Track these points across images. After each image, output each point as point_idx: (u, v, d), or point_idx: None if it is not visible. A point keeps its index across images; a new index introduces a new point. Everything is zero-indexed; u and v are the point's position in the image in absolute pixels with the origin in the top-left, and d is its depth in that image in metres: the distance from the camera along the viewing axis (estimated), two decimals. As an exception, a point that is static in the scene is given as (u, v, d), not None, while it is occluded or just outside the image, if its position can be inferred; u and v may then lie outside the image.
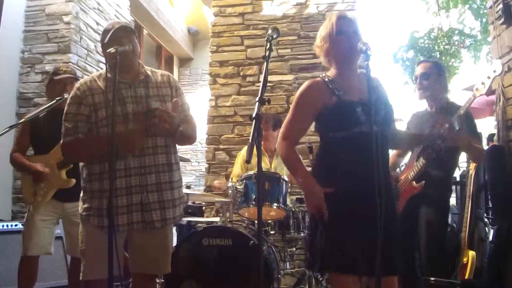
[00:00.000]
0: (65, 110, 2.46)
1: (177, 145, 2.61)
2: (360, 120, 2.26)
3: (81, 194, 2.48)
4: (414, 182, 3.23)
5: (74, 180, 3.27)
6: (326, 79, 2.40)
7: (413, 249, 3.29)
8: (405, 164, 3.60)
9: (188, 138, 2.62)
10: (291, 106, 2.48)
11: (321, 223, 2.27)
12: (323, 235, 2.27)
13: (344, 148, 2.30)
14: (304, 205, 3.76)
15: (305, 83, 2.45)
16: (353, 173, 2.24)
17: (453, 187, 4.18)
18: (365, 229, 2.10)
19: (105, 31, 2.46)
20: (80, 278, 2.40)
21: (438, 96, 3.38)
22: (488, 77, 2.83)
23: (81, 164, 2.52)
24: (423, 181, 3.18)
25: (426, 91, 3.39)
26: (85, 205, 2.43)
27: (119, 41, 2.34)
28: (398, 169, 3.58)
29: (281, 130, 2.50)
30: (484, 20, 10.24)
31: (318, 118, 2.40)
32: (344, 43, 2.32)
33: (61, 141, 2.46)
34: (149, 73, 2.55)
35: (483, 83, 2.86)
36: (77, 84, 2.52)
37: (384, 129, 2.29)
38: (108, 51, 2.26)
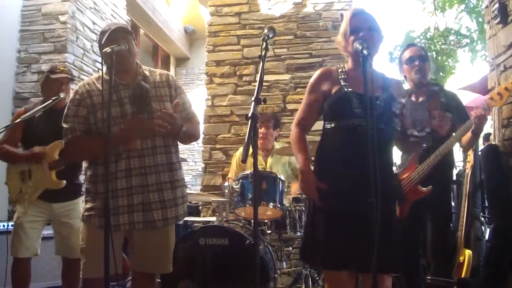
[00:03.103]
0: (64, 112, 2.48)
1: (178, 144, 2.62)
2: (354, 112, 2.26)
3: (85, 195, 2.49)
4: (420, 186, 3.07)
5: (64, 182, 3.25)
6: (340, 69, 2.43)
7: (418, 249, 3.27)
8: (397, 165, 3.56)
9: (192, 137, 2.64)
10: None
11: (313, 217, 2.31)
12: (314, 229, 2.30)
13: (336, 139, 2.34)
14: (300, 204, 3.76)
15: (318, 70, 2.50)
16: (343, 166, 2.26)
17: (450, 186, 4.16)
18: (355, 226, 2.11)
19: (102, 32, 2.47)
20: (80, 276, 2.42)
21: (428, 82, 3.35)
22: (506, 89, 2.73)
23: (84, 165, 2.53)
24: (430, 186, 3.03)
25: (425, 74, 3.30)
26: (87, 206, 2.44)
27: (116, 41, 2.35)
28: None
29: (296, 116, 2.54)
30: (480, 19, 10.28)
31: (323, 106, 2.41)
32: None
33: (55, 143, 2.47)
34: (147, 73, 2.55)
35: (499, 94, 2.75)
36: (76, 87, 2.54)
37: (384, 125, 2.28)
38: (104, 50, 2.27)
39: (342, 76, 2.38)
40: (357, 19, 2.36)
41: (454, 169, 3.55)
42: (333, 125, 2.36)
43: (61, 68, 3.45)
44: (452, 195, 3.50)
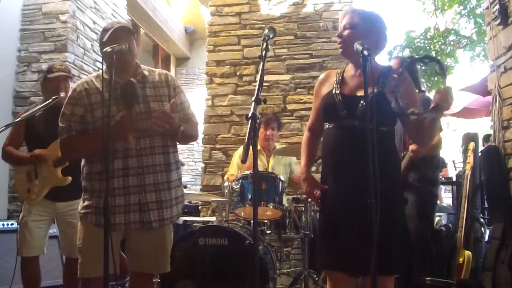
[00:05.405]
0: (61, 110, 2.47)
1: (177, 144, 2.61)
2: (339, 114, 2.28)
3: (82, 193, 2.48)
4: None
5: (70, 178, 3.24)
6: (340, 70, 2.45)
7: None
8: None
9: (190, 137, 2.62)
10: None
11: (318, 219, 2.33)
12: (319, 232, 2.32)
13: (330, 139, 2.36)
14: (300, 205, 3.76)
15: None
16: (337, 166, 2.28)
17: (449, 187, 4.16)
18: (355, 227, 2.11)
19: (104, 30, 2.46)
20: (78, 276, 2.40)
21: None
22: None
23: (82, 163, 2.52)
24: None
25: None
26: (84, 204, 2.43)
27: (117, 41, 2.33)
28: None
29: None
30: (479, 20, 10.28)
31: None
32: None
33: (58, 141, 2.47)
34: (146, 73, 2.54)
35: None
36: (74, 85, 2.53)
37: (377, 124, 2.23)
38: (104, 50, 2.26)
39: (338, 78, 2.39)
40: (341, 21, 2.37)
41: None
42: (326, 126, 2.39)
43: (57, 66, 3.43)
44: (452, 196, 3.47)
